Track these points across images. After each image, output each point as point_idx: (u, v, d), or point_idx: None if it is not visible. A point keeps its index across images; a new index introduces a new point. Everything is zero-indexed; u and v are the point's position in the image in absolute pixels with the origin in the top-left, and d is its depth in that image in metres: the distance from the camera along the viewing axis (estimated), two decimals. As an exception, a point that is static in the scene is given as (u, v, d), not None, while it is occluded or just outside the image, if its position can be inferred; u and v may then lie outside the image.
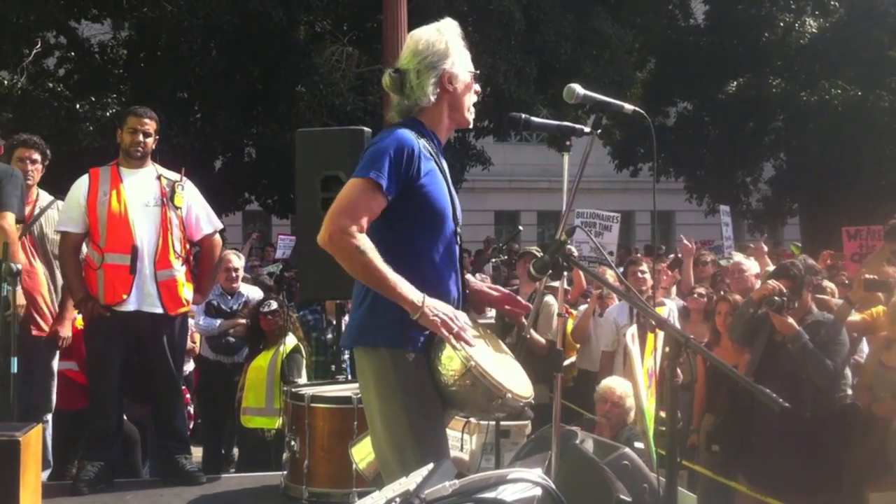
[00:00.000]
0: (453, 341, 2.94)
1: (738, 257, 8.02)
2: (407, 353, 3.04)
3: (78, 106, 13.45)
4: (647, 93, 20.20)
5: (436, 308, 2.96)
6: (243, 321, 7.40)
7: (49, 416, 5.70)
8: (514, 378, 3.10)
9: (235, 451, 7.80)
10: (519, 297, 3.49)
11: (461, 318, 3.00)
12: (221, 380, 7.40)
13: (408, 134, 3.10)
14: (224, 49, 13.93)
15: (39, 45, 14.90)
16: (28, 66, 14.44)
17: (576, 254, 3.13)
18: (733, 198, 20.88)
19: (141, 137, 5.53)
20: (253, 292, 7.79)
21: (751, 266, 7.06)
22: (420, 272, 3.05)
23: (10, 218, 5.12)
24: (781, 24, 20.32)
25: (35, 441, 4.39)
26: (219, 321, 7.43)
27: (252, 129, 15.17)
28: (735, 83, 20.63)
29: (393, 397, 3.04)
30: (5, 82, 14.35)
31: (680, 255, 9.83)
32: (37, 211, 5.76)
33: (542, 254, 7.89)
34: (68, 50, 16.02)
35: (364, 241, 2.94)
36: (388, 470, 3.08)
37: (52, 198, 5.74)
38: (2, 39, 14.60)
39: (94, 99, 13.68)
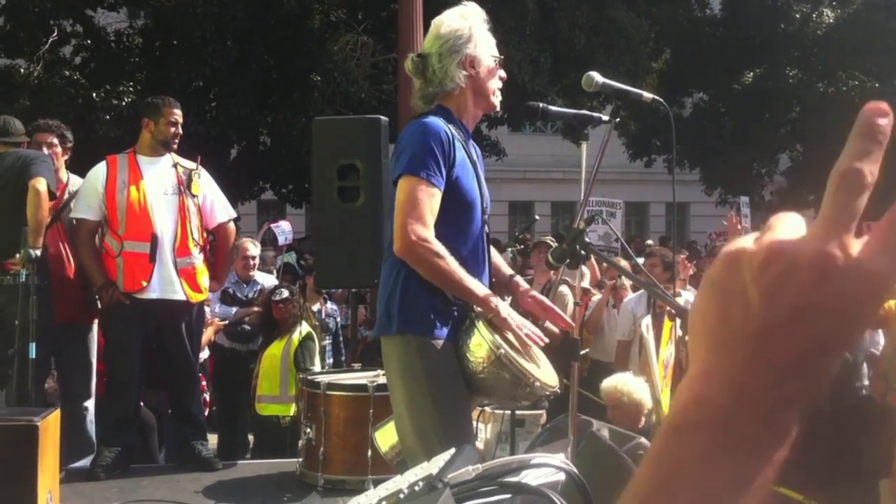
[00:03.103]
0: (523, 338, 3.07)
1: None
2: (434, 341, 3.06)
3: (94, 94, 13.49)
4: (663, 83, 20.10)
5: (508, 312, 3.09)
6: (259, 309, 7.43)
7: (89, 403, 5.75)
8: (540, 366, 3.13)
9: (250, 437, 7.84)
10: (564, 315, 3.47)
11: (527, 325, 3.12)
12: (236, 367, 7.43)
13: (440, 124, 3.12)
14: (238, 37, 13.94)
15: (56, 33, 14.94)
16: (44, 54, 14.48)
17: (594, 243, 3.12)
18: (748, 189, 20.77)
19: (179, 129, 5.58)
20: (268, 280, 7.82)
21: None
22: None
23: (42, 183, 5.16)
24: (798, 14, 20.18)
25: (53, 426, 4.42)
26: (234, 309, 7.46)
27: (266, 117, 15.18)
28: (751, 74, 20.51)
29: (420, 385, 3.06)
30: (22, 70, 14.40)
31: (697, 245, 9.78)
32: (66, 196, 5.75)
33: (556, 243, 7.88)
34: (84, 38, 16.05)
35: (439, 247, 3.00)
36: (413, 457, 3.09)
37: (82, 181, 5.75)
38: (19, 27, 14.67)
39: (109, 88, 13.71)
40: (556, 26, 15.26)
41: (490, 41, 3.26)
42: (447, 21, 3.22)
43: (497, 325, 3.06)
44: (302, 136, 14.22)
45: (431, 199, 3.03)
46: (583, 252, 3.07)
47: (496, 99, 3.31)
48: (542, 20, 15.02)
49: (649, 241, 16.39)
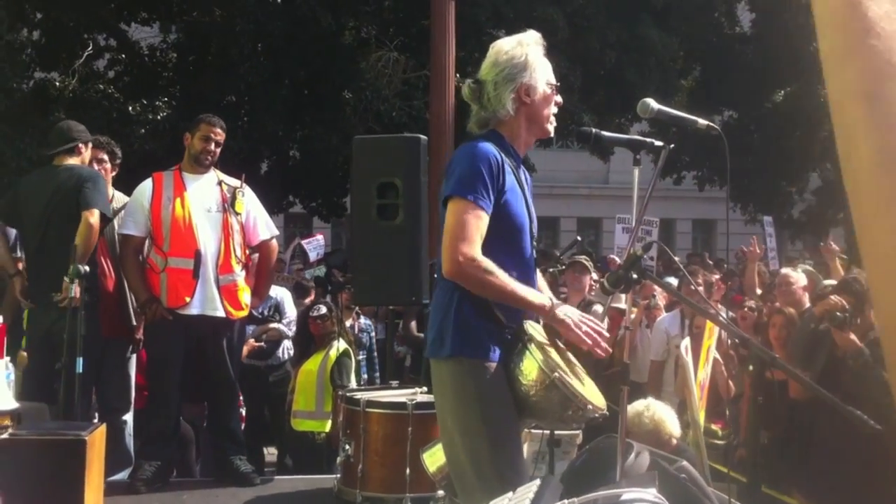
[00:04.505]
0: (586, 343, 3.08)
1: (784, 270, 7.94)
2: (487, 364, 3.08)
3: (130, 108, 13.64)
4: (692, 101, 20.02)
5: (565, 311, 3.12)
6: (275, 325, 7.47)
7: (128, 417, 5.81)
8: (590, 389, 3.14)
9: (274, 451, 7.88)
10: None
11: (588, 320, 3.12)
12: (255, 383, 7.43)
13: (490, 148, 3.15)
14: (272, 54, 14.06)
15: (91, 47, 15.13)
16: (79, 67, 14.67)
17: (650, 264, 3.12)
18: (778, 207, 20.64)
19: (212, 146, 5.62)
20: (282, 294, 7.81)
21: (798, 278, 6.99)
22: None
23: (95, 215, 5.22)
24: (829, 32, 20.06)
25: (99, 440, 4.48)
26: (251, 328, 7.42)
27: (298, 133, 15.28)
28: (782, 93, 20.40)
29: (471, 407, 3.08)
30: (57, 84, 14.59)
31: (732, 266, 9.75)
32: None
33: (589, 262, 7.85)
34: (118, 52, 16.23)
35: (488, 263, 3.04)
36: (463, 479, 3.13)
37: (127, 199, 5.81)
38: (54, 41, 14.86)
39: (145, 102, 13.86)
40: (587, 44, 15.26)
41: (547, 67, 3.30)
42: (504, 48, 3.26)
43: (556, 327, 3.10)
44: (333, 151, 14.30)
45: (479, 221, 3.07)
46: (635, 276, 3.07)
47: (550, 126, 3.34)
48: (573, 38, 15.03)
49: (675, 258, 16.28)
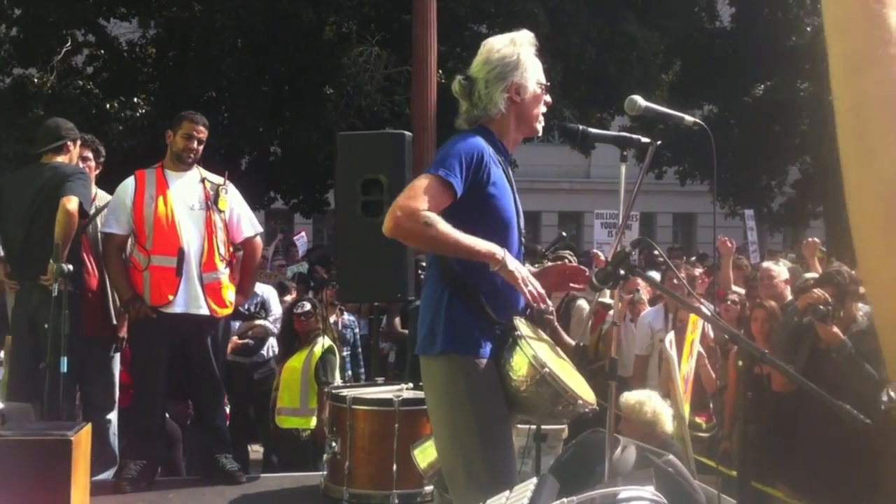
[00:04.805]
0: (528, 298, 2.99)
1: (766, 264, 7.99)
2: (478, 360, 3.07)
3: (108, 106, 13.55)
4: (672, 95, 20.10)
5: (516, 265, 3.01)
6: (261, 322, 7.44)
7: (112, 416, 5.77)
8: (579, 384, 3.15)
9: (259, 449, 7.86)
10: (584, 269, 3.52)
11: (531, 281, 3.03)
12: (241, 380, 7.42)
13: (478, 139, 3.16)
14: (253, 50, 14.00)
15: (70, 42, 15.01)
16: (57, 63, 14.56)
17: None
18: (758, 201, 20.75)
19: (195, 144, 5.59)
20: (268, 291, 7.81)
21: (780, 272, 7.04)
22: (487, 278, 3.09)
23: (74, 201, 5.16)
24: (809, 27, 20.17)
25: (85, 440, 4.46)
26: (237, 324, 7.39)
27: (279, 128, 15.23)
28: (762, 86, 20.50)
29: (463, 404, 3.08)
30: (35, 80, 14.47)
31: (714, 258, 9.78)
32: (92, 210, 5.78)
33: (573, 257, 7.88)
34: (97, 48, 16.12)
35: (429, 215, 2.94)
36: (454, 476, 3.13)
37: (110, 198, 5.76)
38: (32, 37, 14.74)
39: (123, 99, 13.77)
40: (568, 39, 15.27)
41: (537, 67, 3.30)
42: (497, 46, 3.26)
43: (505, 278, 3.00)
44: (314, 147, 14.27)
45: (437, 188, 3.01)
46: (622, 272, 3.08)
47: (539, 125, 3.35)
48: (554, 33, 15.04)
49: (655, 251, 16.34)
